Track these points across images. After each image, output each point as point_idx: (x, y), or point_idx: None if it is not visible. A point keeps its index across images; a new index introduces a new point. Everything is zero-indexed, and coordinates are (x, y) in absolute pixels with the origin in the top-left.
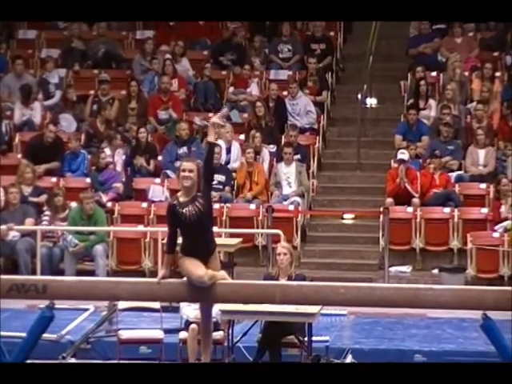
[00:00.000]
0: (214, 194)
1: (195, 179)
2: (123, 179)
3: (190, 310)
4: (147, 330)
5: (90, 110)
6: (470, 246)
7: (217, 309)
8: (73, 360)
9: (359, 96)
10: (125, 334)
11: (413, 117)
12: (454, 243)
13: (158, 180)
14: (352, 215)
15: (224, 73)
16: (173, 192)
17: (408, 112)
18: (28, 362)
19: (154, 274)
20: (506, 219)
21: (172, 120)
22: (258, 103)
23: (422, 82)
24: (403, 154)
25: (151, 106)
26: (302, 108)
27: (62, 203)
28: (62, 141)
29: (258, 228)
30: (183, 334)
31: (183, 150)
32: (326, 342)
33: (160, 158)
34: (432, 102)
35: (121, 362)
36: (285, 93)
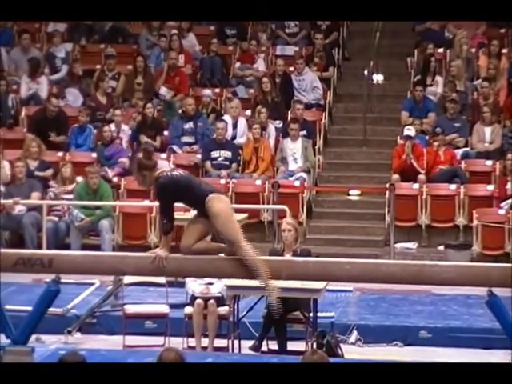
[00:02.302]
0: (221, 171)
1: None
2: (129, 154)
3: (196, 285)
4: (153, 304)
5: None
6: (475, 222)
7: (222, 284)
8: (78, 334)
9: (366, 72)
10: (130, 309)
11: (419, 93)
12: (460, 220)
13: (163, 155)
14: (358, 191)
15: (230, 48)
16: (179, 167)
17: (415, 88)
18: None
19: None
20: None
21: (169, 101)
22: (265, 79)
23: (432, 59)
24: (410, 131)
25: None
26: (309, 84)
27: (70, 175)
28: (65, 114)
29: (263, 204)
30: (189, 309)
31: (189, 125)
32: (332, 317)
33: (166, 133)
34: (439, 78)
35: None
36: (291, 68)
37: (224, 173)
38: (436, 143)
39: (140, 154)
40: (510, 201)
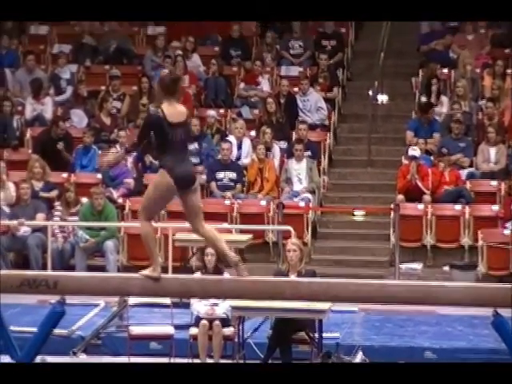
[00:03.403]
0: (226, 192)
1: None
2: (134, 175)
3: (201, 306)
4: (158, 325)
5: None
6: (480, 243)
7: (227, 305)
8: (83, 355)
9: (370, 92)
10: (135, 330)
11: (430, 115)
12: (465, 240)
13: None
14: (363, 212)
15: (235, 69)
16: None
17: (428, 111)
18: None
19: (164, 269)
20: None
21: None
22: (269, 99)
23: (434, 81)
24: (414, 151)
25: None
26: (313, 104)
27: (74, 199)
28: (70, 135)
29: (268, 224)
30: (194, 330)
31: (194, 146)
32: (337, 338)
33: None
34: (444, 98)
35: (127, 361)
36: (296, 89)
37: (229, 194)
38: (442, 164)
39: (169, 75)
40: None
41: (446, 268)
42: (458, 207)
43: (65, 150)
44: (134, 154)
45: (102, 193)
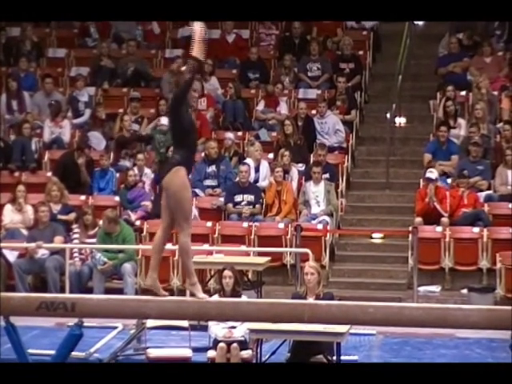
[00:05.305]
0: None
1: None
2: (152, 197)
3: (219, 329)
4: (176, 348)
5: (118, 128)
6: (499, 265)
7: (245, 328)
8: None
9: (388, 115)
10: (153, 353)
11: (444, 134)
12: (483, 263)
13: None
14: (381, 234)
15: (253, 91)
16: (202, 210)
17: (439, 129)
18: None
19: (182, 292)
20: None
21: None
22: (287, 122)
23: (449, 103)
24: (431, 173)
25: None
26: (331, 127)
27: (91, 221)
28: (91, 159)
29: (286, 247)
30: (211, 353)
31: (212, 168)
32: (355, 361)
33: (189, 176)
34: (462, 121)
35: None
36: (313, 111)
37: (246, 208)
38: (462, 187)
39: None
40: None
41: (464, 291)
42: (476, 230)
43: (87, 172)
44: (152, 176)
45: (113, 218)
